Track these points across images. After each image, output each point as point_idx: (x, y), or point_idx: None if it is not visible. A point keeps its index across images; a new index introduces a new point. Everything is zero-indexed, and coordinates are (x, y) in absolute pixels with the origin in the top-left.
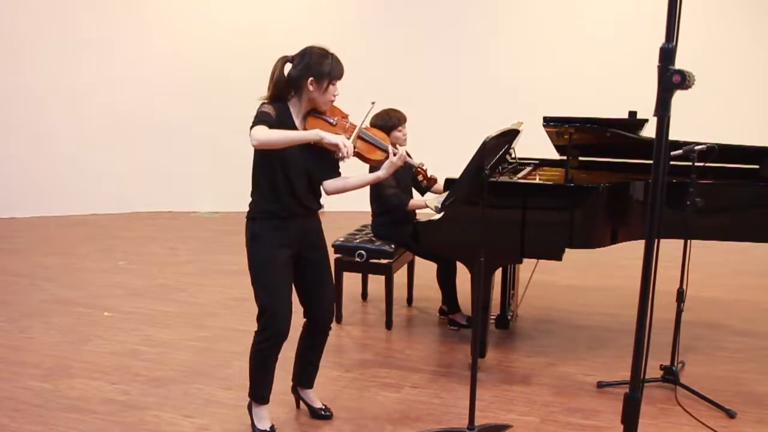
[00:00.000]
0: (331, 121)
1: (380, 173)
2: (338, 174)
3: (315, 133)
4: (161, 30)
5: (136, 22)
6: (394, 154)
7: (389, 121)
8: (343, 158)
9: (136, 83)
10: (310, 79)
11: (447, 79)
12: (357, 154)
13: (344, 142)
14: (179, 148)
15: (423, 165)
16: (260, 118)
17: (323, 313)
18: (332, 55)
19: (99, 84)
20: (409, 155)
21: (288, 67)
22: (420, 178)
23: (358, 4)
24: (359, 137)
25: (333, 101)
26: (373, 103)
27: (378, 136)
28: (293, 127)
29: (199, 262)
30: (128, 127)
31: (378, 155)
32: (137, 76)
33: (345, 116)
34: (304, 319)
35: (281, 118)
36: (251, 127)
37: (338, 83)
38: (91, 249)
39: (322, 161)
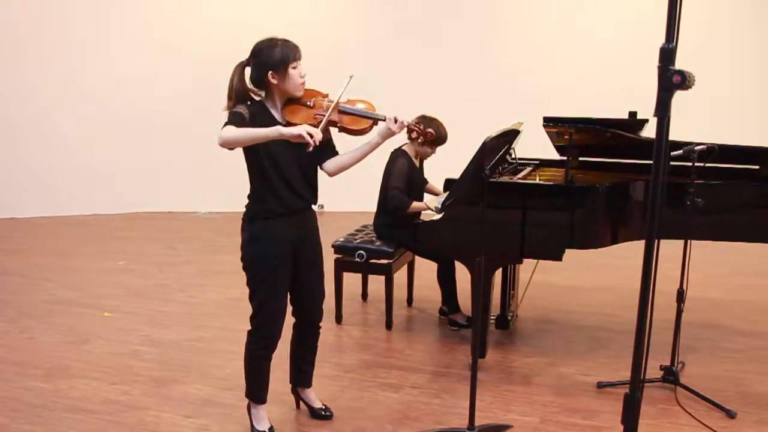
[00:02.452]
0: (309, 103)
1: (377, 138)
2: (335, 153)
3: (275, 130)
4: (161, 30)
5: (136, 21)
6: (392, 120)
7: (435, 134)
8: (310, 147)
9: (136, 83)
10: (270, 72)
11: (447, 79)
12: (343, 129)
13: (307, 131)
14: (179, 148)
15: (418, 124)
16: (230, 119)
17: (314, 309)
18: (281, 40)
19: (99, 84)
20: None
21: (248, 71)
22: (415, 135)
23: (358, 4)
24: (340, 111)
25: (302, 83)
26: (350, 76)
27: (363, 105)
28: (273, 121)
29: (199, 262)
30: (128, 127)
31: (363, 124)
32: (137, 75)
33: (324, 96)
34: (294, 318)
35: (259, 117)
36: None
37: (301, 65)
38: (91, 249)
39: (316, 150)
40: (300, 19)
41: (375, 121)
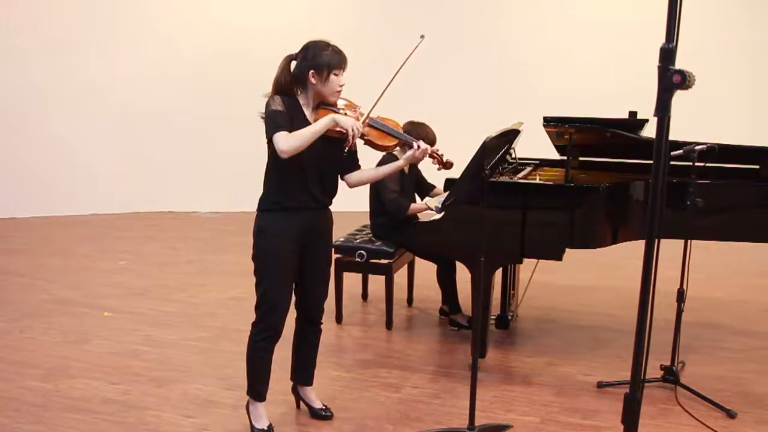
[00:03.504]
0: (340, 112)
1: (401, 162)
2: (358, 167)
3: (330, 119)
4: (162, 30)
5: (136, 21)
6: (417, 147)
7: (421, 136)
8: (350, 143)
9: (136, 83)
10: (311, 71)
11: (448, 79)
12: (368, 142)
13: (354, 127)
14: (180, 147)
15: (438, 150)
16: (275, 122)
17: (315, 307)
18: (332, 46)
19: (99, 84)
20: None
21: (293, 65)
22: (434, 162)
23: (360, 3)
24: (368, 125)
25: (339, 91)
26: (422, 36)
27: (389, 123)
28: (304, 119)
29: (200, 262)
30: (128, 127)
31: (389, 141)
32: (138, 75)
33: (355, 107)
34: (296, 314)
35: (291, 110)
36: (270, 134)
37: (344, 75)
38: (91, 249)
39: (341, 155)
40: (300, 19)
41: (400, 140)
